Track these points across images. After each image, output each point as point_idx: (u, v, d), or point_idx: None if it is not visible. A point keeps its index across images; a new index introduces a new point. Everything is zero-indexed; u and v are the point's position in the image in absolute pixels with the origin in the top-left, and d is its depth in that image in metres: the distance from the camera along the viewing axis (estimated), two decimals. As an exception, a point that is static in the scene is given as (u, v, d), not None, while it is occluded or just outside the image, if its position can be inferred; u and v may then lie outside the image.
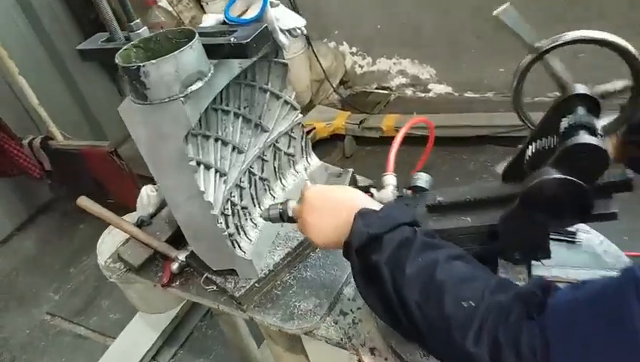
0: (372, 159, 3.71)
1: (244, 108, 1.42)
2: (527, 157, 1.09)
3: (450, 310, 0.77)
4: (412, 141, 3.70)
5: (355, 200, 1.01)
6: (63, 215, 3.82)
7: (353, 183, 1.27)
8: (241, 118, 1.40)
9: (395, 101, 4.23)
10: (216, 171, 1.31)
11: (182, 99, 1.09)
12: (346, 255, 0.99)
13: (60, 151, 3.34)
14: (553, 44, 0.98)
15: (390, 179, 1.19)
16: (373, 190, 1.19)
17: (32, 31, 3.74)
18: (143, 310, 2.35)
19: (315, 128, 3.78)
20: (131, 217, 1.76)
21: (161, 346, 2.69)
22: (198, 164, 1.24)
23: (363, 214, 0.94)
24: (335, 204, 1.05)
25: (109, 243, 1.85)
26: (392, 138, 3.83)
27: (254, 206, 1.50)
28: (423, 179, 1.21)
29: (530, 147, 1.09)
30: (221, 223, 1.31)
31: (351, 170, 1.28)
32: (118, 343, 2.70)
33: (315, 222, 1.06)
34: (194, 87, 1.10)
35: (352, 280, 1.20)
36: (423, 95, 4.22)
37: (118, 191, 3.10)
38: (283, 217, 1.24)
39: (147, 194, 1.70)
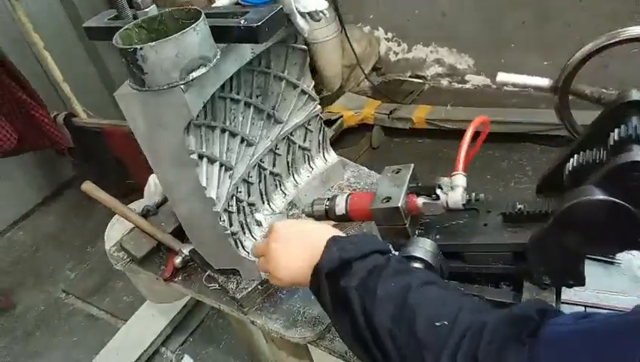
0: (400, 151, 3.57)
1: (257, 97, 1.31)
2: (568, 171, 0.96)
3: (422, 332, 0.72)
4: (439, 134, 3.62)
5: (328, 230, 0.97)
6: (76, 195, 3.80)
7: (414, 180, 1.15)
8: (252, 108, 1.30)
9: (428, 91, 4.07)
10: (221, 165, 1.21)
11: (182, 86, 0.99)
12: (314, 282, 0.91)
13: (82, 128, 3.31)
14: (612, 40, 0.84)
15: (460, 180, 1.05)
16: (439, 191, 1.07)
17: (60, 3, 3.70)
18: (150, 299, 2.30)
19: (342, 116, 3.66)
20: (138, 205, 1.68)
21: (171, 333, 2.65)
22: (201, 157, 1.14)
23: (336, 240, 0.91)
24: (305, 236, 0.98)
25: (118, 229, 1.79)
26: (422, 130, 3.69)
27: (263, 203, 1.40)
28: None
29: (572, 159, 0.95)
30: (223, 221, 1.21)
31: (411, 165, 1.15)
32: (127, 327, 2.67)
33: (283, 256, 0.98)
34: (196, 74, 1.00)
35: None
36: (459, 86, 4.06)
37: (138, 172, 3.04)
38: (329, 215, 1.15)
39: (154, 183, 1.62)
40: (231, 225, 1.25)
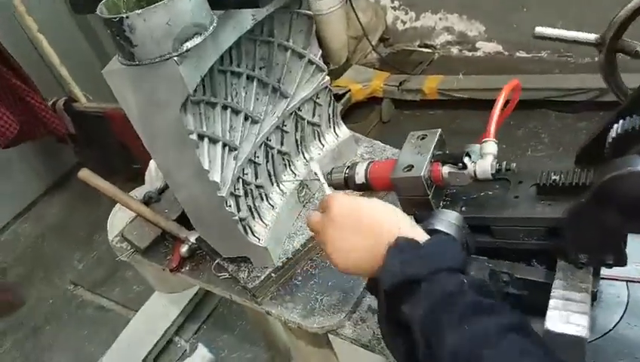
0: (411, 124, 3.44)
1: (260, 69, 1.20)
2: (611, 138, 0.84)
3: None
4: (451, 105, 3.49)
5: (395, 221, 0.81)
6: (82, 183, 3.72)
7: (441, 147, 1.04)
8: (255, 82, 1.19)
9: (438, 60, 3.94)
10: (225, 145, 1.10)
11: (176, 58, 0.89)
12: (372, 290, 0.81)
13: (83, 113, 3.22)
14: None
15: (490, 147, 0.95)
16: (466, 160, 0.96)
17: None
18: (159, 289, 2.23)
19: (350, 90, 3.53)
20: (141, 191, 1.59)
21: (184, 321, 2.58)
22: (201, 137, 1.03)
23: (401, 247, 0.75)
24: (370, 222, 0.83)
25: (121, 217, 1.69)
26: (434, 101, 3.58)
27: (271, 184, 1.30)
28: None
29: (616, 125, 0.84)
30: (230, 206, 1.11)
31: (438, 130, 1.04)
32: (139, 317, 2.59)
33: (342, 241, 0.84)
34: (191, 44, 0.89)
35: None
36: (469, 54, 3.91)
37: (143, 156, 2.93)
38: (348, 184, 1.05)
39: (155, 167, 1.52)
40: (239, 210, 1.15)
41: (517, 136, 3.07)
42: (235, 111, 1.14)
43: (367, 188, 1.08)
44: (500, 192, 1.03)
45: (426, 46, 4.07)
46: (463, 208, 1.02)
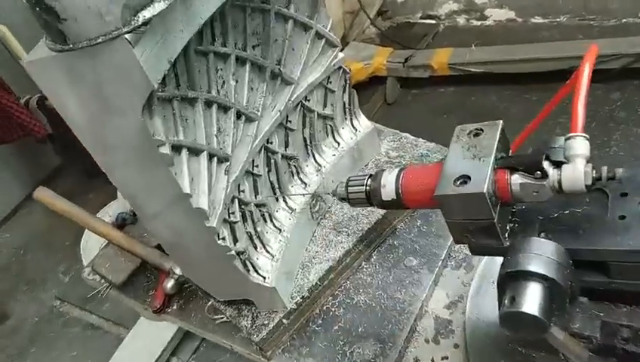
0: (420, 105, 3.13)
1: (253, 48, 0.89)
2: None
3: None
4: (463, 80, 3.18)
5: None
6: (70, 184, 3.40)
7: (504, 147, 0.75)
8: (248, 65, 0.88)
9: (444, 32, 3.62)
10: (211, 156, 0.80)
11: (128, 36, 0.59)
12: None
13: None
14: None
15: (581, 146, 0.66)
16: (546, 164, 0.68)
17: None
18: (145, 316, 1.92)
19: (350, 70, 3.21)
20: (115, 208, 1.29)
21: (181, 341, 2.29)
22: (177, 148, 0.73)
23: None
24: None
25: (97, 239, 1.38)
26: (444, 77, 3.27)
27: (276, 200, 0.99)
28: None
29: None
30: (224, 239, 0.81)
31: (499, 122, 0.74)
32: (132, 336, 2.31)
33: None
34: (149, 13, 0.61)
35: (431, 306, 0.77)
36: (478, 23, 3.56)
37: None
38: (371, 199, 0.79)
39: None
40: (235, 241, 0.86)
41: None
42: (223, 108, 0.84)
43: (397, 206, 0.79)
44: (594, 210, 0.75)
45: (429, 17, 3.74)
46: (542, 234, 0.74)
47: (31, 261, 3.13)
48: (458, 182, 0.71)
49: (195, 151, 0.77)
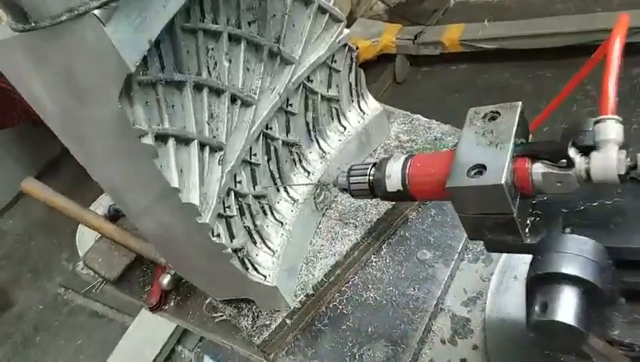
0: (430, 83, 3.03)
1: (249, 25, 0.80)
2: None
3: None
4: (475, 57, 3.07)
5: None
6: (73, 170, 3.36)
7: (524, 132, 0.67)
8: (243, 44, 0.79)
9: (455, 8, 3.51)
10: (203, 145, 0.72)
11: (98, 12, 0.50)
12: None
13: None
14: None
15: (612, 130, 0.58)
16: (572, 151, 0.60)
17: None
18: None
19: (357, 48, 3.10)
20: (107, 200, 1.22)
21: (186, 329, 2.24)
22: (163, 138, 0.66)
23: None
24: None
25: (90, 234, 1.32)
26: (455, 54, 3.17)
27: (277, 191, 0.92)
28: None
29: None
30: (219, 236, 0.74)
31: (518, 104, 0.66)
32: (136, 324, 2.28)
33: None
34: None
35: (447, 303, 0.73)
36: (490, -3, 3.43)
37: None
38: (375, 190, 0.71)
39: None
40: (232, 237, 0.78)
41: (557, 91, 2.59)
42: (216, 92, 0.76)
43: (404, 198, 0.71)
44: (627, 202, 0.67)
45: (440, -8, 3.62)
46: (566, 229, 0.66)
47: (34, 248, 3.12)
48: (472, 173, 0.62)
49: (184, 141, 0.69)
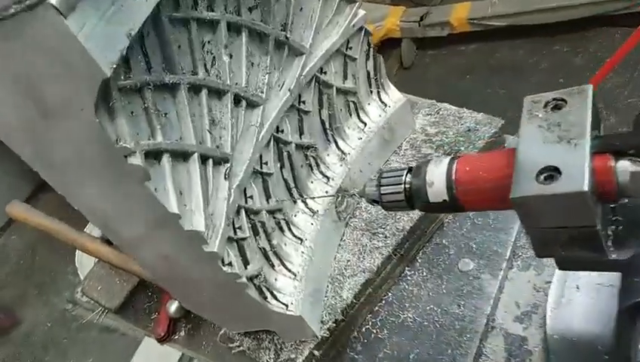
0: (439, 67, 2.90)
1: (250, 11, 0.68)
2: None
3: None
4: (485, 36, 2.94)
5: None
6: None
7: (597, 122, 0.54)
8: (245, 34, 0.67)
9: (460, -15, 3.33)
10: (204, 158, 0.60)
11: (54, 2, 0.38)
12: None
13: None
14: None
15: None
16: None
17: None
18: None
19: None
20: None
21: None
22: (156, 155, 0.53)
23: None
24: None
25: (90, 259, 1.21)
26: (464, 34, 3.03)
27: (293, 202, 0.79)
28: None
29: None
30: (230, 264, 0.62)
31: (588, 87, 0.53)
32: (150, 339, 2.16)
33: None
34: None
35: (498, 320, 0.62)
36: (497, -28, 3.28)
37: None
38: (413, 201, 0.60)
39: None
40: (246, 263, 0.66)
41: (575, 66, 2.54)
42: (216, 93, 0.63)
43: (451, 210, 0.59)
44: None
45: (443, -31, 3.48)
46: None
47: (39, 263, 3.02)
48: (543, 177, 0.50)
49: (181, 155, 0.57)
